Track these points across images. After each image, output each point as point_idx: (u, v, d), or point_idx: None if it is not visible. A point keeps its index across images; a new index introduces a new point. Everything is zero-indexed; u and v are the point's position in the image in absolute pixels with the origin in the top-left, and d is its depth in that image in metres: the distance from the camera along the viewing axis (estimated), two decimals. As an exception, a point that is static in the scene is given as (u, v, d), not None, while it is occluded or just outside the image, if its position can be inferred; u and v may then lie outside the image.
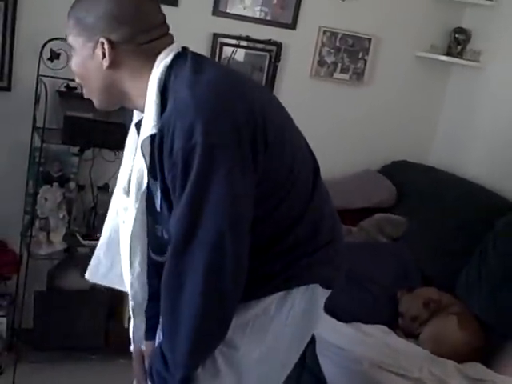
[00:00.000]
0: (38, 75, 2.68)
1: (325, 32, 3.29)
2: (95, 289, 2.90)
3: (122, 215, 1.55)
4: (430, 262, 3.00)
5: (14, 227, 2.84)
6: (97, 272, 1.73)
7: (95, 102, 1.46)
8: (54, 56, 2.71)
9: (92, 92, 1.44)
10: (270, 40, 3.17)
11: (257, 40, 3.14)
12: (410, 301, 2.68)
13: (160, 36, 1.39)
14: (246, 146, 1.28)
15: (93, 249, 2.78)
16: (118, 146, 2.70)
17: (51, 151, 2.76)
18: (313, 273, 1.49)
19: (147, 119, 1.34)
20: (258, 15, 3.13)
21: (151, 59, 1.36)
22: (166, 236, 1.50)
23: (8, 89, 2.74)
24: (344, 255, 1.63)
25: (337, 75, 3.39)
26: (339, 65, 3.38)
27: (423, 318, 2.63)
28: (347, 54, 3.37)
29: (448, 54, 3.49)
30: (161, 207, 1.44)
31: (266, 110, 1.36)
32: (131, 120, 1.56)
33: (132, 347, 1.71)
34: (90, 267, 1.74)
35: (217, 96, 1.29)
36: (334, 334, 2.50)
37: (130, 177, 1.50)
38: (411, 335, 2.64)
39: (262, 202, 1.36)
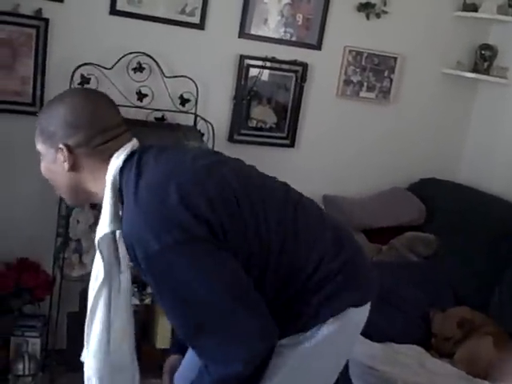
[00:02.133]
0: (70, 100, 2.73)
1: (350, 51, 3.31)
2: (126, 310, 2.92)
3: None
4: (462, 281, 2.97)
5: (47, 249, 2.88)
6: None
7: (66, 199, 1.60)
8: (85, 81, 2.77)
9: (61, 191, 1.56)
10: (295, 60, 3.19)
11: (282, 61, 3.17)
12: (443, 321, 2.66)
13: (115, 136, 1.48)
14: (202, 231, 1.33)
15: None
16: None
17: (82, 174, 2.80)
18: (334, 304, 1.49)
19: (104, 217, 1.43)
20: (283, 36, 3.16)
21: (107, 159, 1.46)
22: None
23: (40, 114, 2.79)
24: (365, 265, 1.63)
25: (363, 94, 3.40)
26: (365, 84, 3.39)
27: (457, 338, 2.61)
28: (373, 72, 3.39)
29: (474, 70, 3.48)
30: None
31: (216, 193, 1.39)
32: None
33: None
34: None
35: (157, 200, 1.35)
36: (366, 354, 2.48)
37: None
38: (445, 355, 2.61)
39: (249, 268, 1.40)
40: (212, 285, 1.32)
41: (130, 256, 1.40)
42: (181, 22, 2.87)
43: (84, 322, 2.86)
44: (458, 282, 2.95)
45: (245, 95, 3.13)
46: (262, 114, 3.21)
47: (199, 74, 2.94)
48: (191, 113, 2.96)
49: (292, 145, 3.28)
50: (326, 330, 1.47)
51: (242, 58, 3.09)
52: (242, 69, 3.10)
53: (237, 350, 1.33)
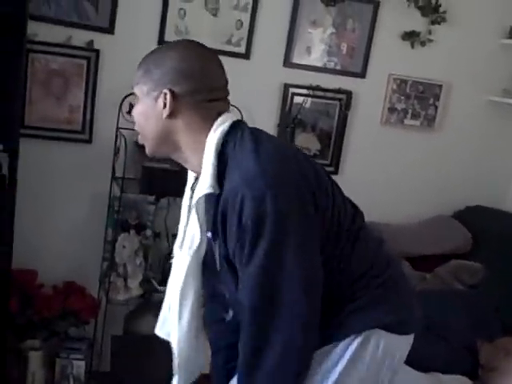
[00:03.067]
0: (118, 128, 2.81)
1: (395, 79, 3.31)
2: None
3: (175, 270, 1.60)
4: (509, 310, 2.89)
5: (93, 273, 2.94)
6: (162, 328, 1.78)
7: (147, 148, 1.53)
8: (133, 109, 2.84)
9: (147, 138, 1.51)
10: (339, 89, 3.22)
11: (326, 89, 3.20)
12: (491, 352, 2.59)
13: (220, 98, 1.48)
14: (311, 210, 1.33)
15: (168, 295, 2.87)
16: (193, 194, 2.82)
17: (128, 200, 2.86)
18: (362, 317, 1.46)
19: (204, 179, 1.39)
20: (327, 65, 3.18)
21: (208, 119, 1.43)
22: (227, 295, 1.52)
23: (89, 141, 2.88)
24: (408, 291, 1.60)
25: (407, 122, 3.39)
26: (410, 111, 3.38)
27: (504, 370, 2.53)
28: (417, 100, 3.38)
29: (521, 97, 3.44)
30: (221, 267, 1.47)
31: (317, 177, 1.41)
32: None
33: None
34: (158, 323, 1.78)
35: (280, 165, 1.34)
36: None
37: (184, 233, 1.57)
38: (492, 387, 2.54)
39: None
40: (303, 257, 1.32)
41: (220, 216, 1.35)
42: (227, 51, 2.93)
43: (127, 346, 2.91)
44: (505, 311, 2.88)
45: (289, 123, 3.16)
46: (306, 141, 3.24)
47: (244, 103, 2.98)
48: (235, 140, 3.01)
49: (336, 171, 3.28)
50: (347, 346, 1.44)
51: (287, 86, 3.13)
52: (287, 97, 3.14)
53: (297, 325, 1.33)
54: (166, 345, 2.92)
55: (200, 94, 1.43)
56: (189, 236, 1.48)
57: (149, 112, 1.46)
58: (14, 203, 2.50)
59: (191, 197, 1.56)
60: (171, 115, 1.43)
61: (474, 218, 3.40)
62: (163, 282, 2.87)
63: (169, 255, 2.94)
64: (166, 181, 2.68)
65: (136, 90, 1.50)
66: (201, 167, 1.42)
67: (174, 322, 1.57)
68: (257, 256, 1.29)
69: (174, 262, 1.61)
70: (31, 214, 2.82)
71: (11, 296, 2.59)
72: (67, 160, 2.86)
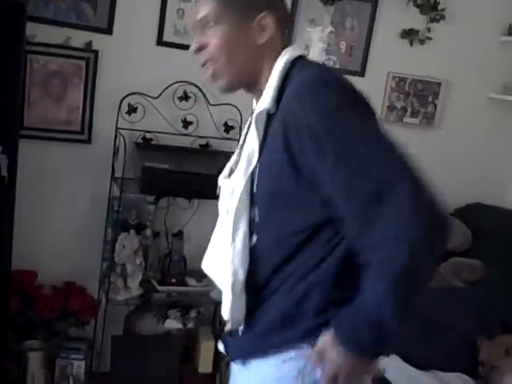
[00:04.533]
0: (117, 128, 2.82)
1: (394, 77, 3.31)
2: (170, 334, 2.96)
3: (223, 202, 1.50)
4: (510, 308, 2.89)
5: (93, 273, 2.95)
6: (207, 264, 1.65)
7: (225, 82, 1.40)
8: (132, 110, 2.85)
9: (229, 70, 1.38)
10: (338, 87, 3.21)
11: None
12: (491, 349, 2.59)
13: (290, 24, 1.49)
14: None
15: (168, 294, 2.88)
16: (193, 194, 2.82)
17: (128, 200, 2.86)
18: None
19: (266, 95, 1.35)
20: (326, 63, 3.18)
21: (282, 44, 1.40)
22: (256, 218, 1.41)
23: (88, 141, 2.88)
24: None
25: (407, 119, 3.39)
26: (409, 109, 3.38)
27: (505, 367, 2.53)
28: (417, 98, 3.38)
29: (521, 94, 3.44)
30: (257, 187, 1.39)
31: None
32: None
33: (229, 327, 1.53)
34: (204, 258, 1.66)
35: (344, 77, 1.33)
36: (411, 382, 2.44)
37: (236, 160, 1.52)
38: (492, 385, 2.54)
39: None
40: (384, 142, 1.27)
41: (281, 126, 1.27)
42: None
43: (127, 346, 2.91)
44: (506, 308, 2.88)
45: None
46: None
47: (243, 102, 2.97)
48: (235, 139, 3.01)
49: (335, 170, 3.28)
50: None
51: (285, 85, 3.13)
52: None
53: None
54: (165, 345, 2.94)
55: (286, 21, 1.43)
56: (245, 156, 1.37)
57: (239, 38, 1.36)
58: (13, 204, 2.51)
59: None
60: (266, 41, 1.37)
61: (474, 215, 3.40)
62: (163, 281, 2.88)
63: (168, 255, 2.96)
64: (166, 181, 2.69)
65: (213, 15, 1.36)
66: (246, 88, 1.42)
67: (224, 244, 1.45)
68: (337, 149, 1.22)
69: (221, 194, 1.52)
70: (31, 214, 2.82)
71: (11, 296, 2.59)
72: (66, 161, 2.86)
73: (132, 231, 2.84)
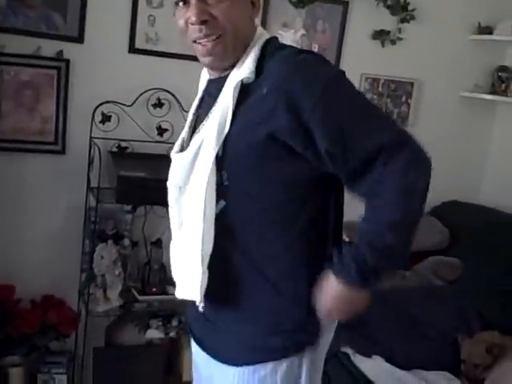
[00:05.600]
0: (91, 137, 2.78)
1: (367, 78, 3.33)
2: (152, 343, 2.94)
3: (177, 175, 1.49)
4: (489, 304, 2.92)
5: (72, 285, 2.91)
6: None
7: (222, 56, 1.40)
8: (105, 118, 2.82)
9: (231, 43, 1.39)
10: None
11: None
12: (472, 347, 2.61)
13: None
14: None
15: (149, 304, 2.85)
16: (170, 201, 2.80)
17: (105, 210, 2.83)
18: None
19: (243, 66, 1.38)
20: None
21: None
22: (226, 182, 1.40)
23: (62, 152, 2.84)
24: None
25: (381, 120, 3.40)
26: (383, 109, 3.40)
27: (487, 364, 2.56)
28: (390, 98, 3.40)
29: (492, 92, 3.48)
30: (226, 151, 1.39)
31: None
32: None
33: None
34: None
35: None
36: (394, 382, 2.45)
37: (190, 131, 1.55)
38: (475, 381, 2.56)
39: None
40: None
41: (273, 102, 1.30)
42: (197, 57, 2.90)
43: (109, 357, 2.88)
44: (485, 305, 2.91)
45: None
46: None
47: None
48: (211, 145, 3.00)
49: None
50: None
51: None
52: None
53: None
54: (147, 355, 2.92)
55: None
56: (216, 122, 1.37)
57: (244, 11, 1.40)
58: (-13, 218, 2.47)
59: (208, 92, 1.53)
60: (255, 15, 1.44)
61: (450, 213, 3.44)
62: (143, 291, 2.86)
63: (147, 264, 2.94)
64: (142, 189, 2.67)
65: None
66: (230, 63, 1.42)
67: (196, 218, 1.42)
68: (352, 115, 1.33)
69: (174, 168, 1.52)
70: (6, 227, 2.78)
71: (-12, 313, 2.56)
72: (41, 172, 2.82)
73: (110, 241, 2.81)
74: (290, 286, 1.43)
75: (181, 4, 1.38)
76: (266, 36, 1.44)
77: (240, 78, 1.36)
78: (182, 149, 1.53)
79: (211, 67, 1.47)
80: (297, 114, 1.28)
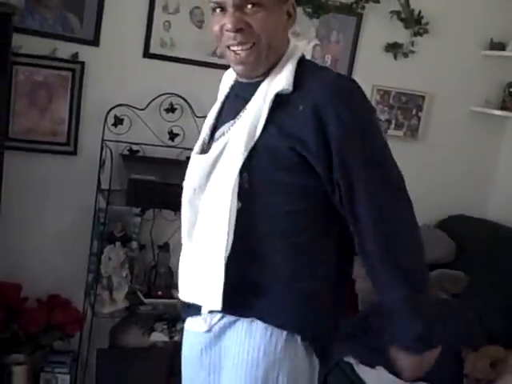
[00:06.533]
0: (103, 140, 2.81)
1: (378, 90, 3.34)
2: (156, 346, 2.94)
3: (196, 178, 1.51)
4: (494, 319, 2.92)
5: (79, 286, 2.93)
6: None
7: (255, 65, 1.42)
8: (118, 121, 2.84)
9: (265, 53, 1.41)
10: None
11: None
12: (476, 361, 2.61)
13: None
14: None
15: (154, 307, 2.86)
16: (179, 206, 2.80)
17: (114, 212, 2.84)
18: None
19: (281, 77, 1.40)
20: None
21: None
22: (246, 185, 1.41)
23: (74, 153, 2.86)
24: None
25: (391, 132, 3.42)
26: (393, 122, 3.41)
27: (490, 379, 2.56)
28: (401, 111, 3.41)
29: (503, 108, 3.49)
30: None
31: None
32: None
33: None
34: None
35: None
36: (396, 394, 2.45)
37: (210, 133, 1.56)
38: (477, 396, 2.56)
39: None
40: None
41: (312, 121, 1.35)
42: (211, 63, 2.93)
43: (113, 359, 2.89)
44: (489, 319, 2.91)
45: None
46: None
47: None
48: (221, 151, 3.02)
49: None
50: None
51: (271, 97, 3.14)
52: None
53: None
54: (151, 358, 2.92)
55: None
56: (243, 131, 1.39)
57: (279, 21, 1.42)
58: (-2, 216, 2.49)
59: (236, 94, 1.55)
60: (290, 27, 1.46)
61: (457, 227, 3.43)
62: (149, 294, 2.87)
63: (154, 267, 2.95)
64: (152, 193, 2.69)
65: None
66: (262, 72, 1.44)
67: (219, 223, 1.43)
68: (375, 152, 1.41)
69: (193, 170, 1.53)
70: (16, 226, 2.80)
71: (-5, 310, 2.57)
72: (52, 172, 2.84)
73: (118, 243, 2.83)
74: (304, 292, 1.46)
75: (218, 10, 1.40)
76: (302, 49, 1.47)
77: (277, 90, 1.38)
78: (203, 150, 1.54)
79: (243, 75, 1.49)
80: (325, 138, 1.34)
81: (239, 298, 1.43)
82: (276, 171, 1.39)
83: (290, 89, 1.38)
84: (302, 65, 1.43)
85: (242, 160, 1.38)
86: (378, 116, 1.48)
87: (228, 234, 1.40)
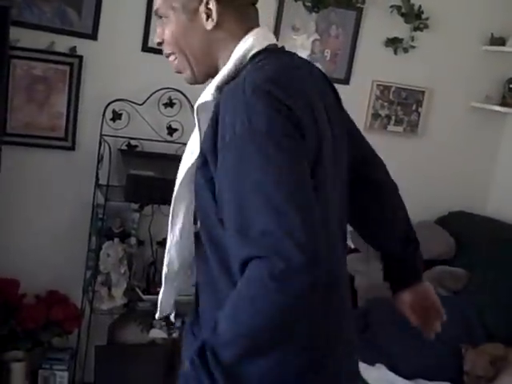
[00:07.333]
0: (101, 135, 2.78)
1: (378, 85, 3.33)
2: (155, 343, 2.93)
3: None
4: (493, 316, 2.92)
5: (77, 282, 2.91)
6: None
7: (189, 73, 1.36)
8: (116, 116, 2.82)
9: (189, 61, 1.34)
10: (323, 95, 3.22)
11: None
12: (476, 358, 2.60)
13: (255, 2, 1.36)
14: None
15: (153, 303, 2.84)
16: (178, 202, 2.79)
17: (112, 207, 2.82)
18: None
19: (211, 86, 1.28)
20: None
21: (243, 26, 1.31)
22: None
23: (72, 148, 2.84)
24: None
25: (391, 128, 3.40)
26: (393, 117, 3.40)
27: (490, 376, 2.55)
28: (401, 106, 3.40)
29: (503, 104, 3.47)
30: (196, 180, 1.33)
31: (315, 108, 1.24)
32: None
33: (157, 315, 1.56)
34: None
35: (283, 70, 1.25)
36: (396, 391, 2.45)
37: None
38: (477, 393, 2.56)
39: None
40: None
41: (211, 128, 1.19)
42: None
43: (111, 356, 2.88)
44: (489, 316, 2.90)
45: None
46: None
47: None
48: (220, 147, 3.00)
49: (320, 178, 3.28)
50: None
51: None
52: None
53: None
54: (150, 355, 2.91)
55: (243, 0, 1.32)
56: (189, 147, 1.35)
57: (188, 28, 1.30)
58: (-5, 212, 2.47)
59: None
60: (216, 26, 1.29)
61: (456, 223, 3.43)
62: (147, 290, 2.85)
63: (152, 263, 2.93)
64: (151, 188, 2.66)
65: (163, 10, 1.32)
66: (207, 78, 1.35)
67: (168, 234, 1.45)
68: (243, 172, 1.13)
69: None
70: (13, 221, 2.78)
71: (-7, 306, 2.55)
72: (50, 167, 2.82)
73: (116, 239, 2.81)
74: None
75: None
76: (254, 49, 1.28)
77: (202, 100, 1.28)
78: None
79: (188, 83, 1.41)
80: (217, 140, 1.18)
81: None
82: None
83: (209, 99, 1.26)
84: (248, 65, 1.27)
85: (179, 182, 1.35)
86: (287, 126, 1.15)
87: None
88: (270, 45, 1.31)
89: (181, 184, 1.35)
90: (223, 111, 1.17)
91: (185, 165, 1.35)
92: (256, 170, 1.10)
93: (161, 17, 1.34)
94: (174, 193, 1.37)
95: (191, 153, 1.33)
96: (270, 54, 1.29)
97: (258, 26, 1.34)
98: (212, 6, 1.27)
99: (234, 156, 1.13)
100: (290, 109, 1.15)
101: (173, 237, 1.43)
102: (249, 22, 1.32)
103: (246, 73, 1.23)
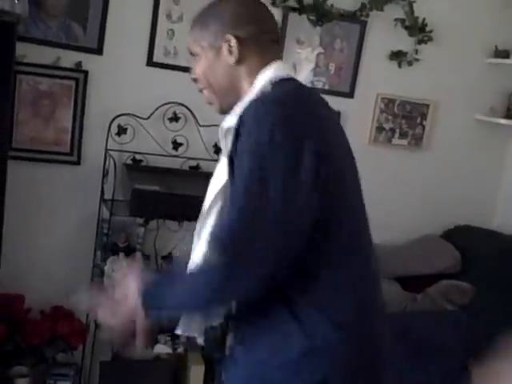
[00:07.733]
0: (107, 149, 2.78)
1: (382, 99, 3.33)
2: (159, 358, 2.91)
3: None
4: (500, 331, 2.89)
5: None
6: None
7: (218, 105, 1.50)
8: (122, 131, 2.82)
9: (216, 94, 1.48)
10: (328, 108, 3.22)
11: (315, 109, 3.19)
12: (483, 373, 2.57)
13: (277, 39, 1.53)
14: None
15: (158, 318, 2.83)
16: (183, 216, 2.78)
17: (117, 222, 2.82)
18: None
19: (232, 115, 1.39)
20: (315, 85, 3.18)
21: (264, 60, 1.45)
22: None
23: (77, 163, 2.84)
24: None
25: (395, 141, 3.40)
26: (397, 130, 3.39)
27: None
28: (405, 119, 3.39)
29: (507, 116, 3.47)
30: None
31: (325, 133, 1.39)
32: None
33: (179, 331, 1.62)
34: None
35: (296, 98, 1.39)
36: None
37: None
38: (485, 409, 2.53)
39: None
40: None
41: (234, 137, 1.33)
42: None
43: (116, 371, 2.86)
44: (496, 331, 2.88)
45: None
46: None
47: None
48: (225, 161, 3.00)
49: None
50: None
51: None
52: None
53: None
54: (155, 370, 2.89)
55: (264, 35, 1.46)
56: (217, 172, 1.50)
57: (214, 64, 1.46)
58: (1, 226, 2.47)
59: None
60: (238, 61, 1.44)
61: (462, 237, 3.41)
62: (153, 305, 2.83)
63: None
64: (156, 203, 2.65)
65: (195, 49, 1.49)
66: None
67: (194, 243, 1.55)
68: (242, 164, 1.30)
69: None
70: (19, 236, 2.78)
71: (-2, 321, 2.54)
72: (55, 182, 2.82)
73: (121, 254, 2.80)
74: None
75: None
76: (272, 79, 1.40)
77: (227, 126, 1.40)
78: None
79: (219, 113, 1.53)
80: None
81: None
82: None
83: (232, 125, 1.36)
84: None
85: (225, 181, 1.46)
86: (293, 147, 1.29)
87: None
88: (288, 75, 1.45)
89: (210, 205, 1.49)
90: (240, 122, 1.31)
91: (214, 187, 1.49)
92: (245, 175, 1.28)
93: (193, 55, 1.50)
94: (215, 191, 1.48)
95: (220, 176, 1.47)
96: (288, 80, 1.43)
97: (279, 59, 1.49)
98: (233, 43, 1.43)
99: (237, 160, 1.31)
100: (294, 118, 1.31)
101: (200, 248, 1.52)
102: (270, 57, 1.46)
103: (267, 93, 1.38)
